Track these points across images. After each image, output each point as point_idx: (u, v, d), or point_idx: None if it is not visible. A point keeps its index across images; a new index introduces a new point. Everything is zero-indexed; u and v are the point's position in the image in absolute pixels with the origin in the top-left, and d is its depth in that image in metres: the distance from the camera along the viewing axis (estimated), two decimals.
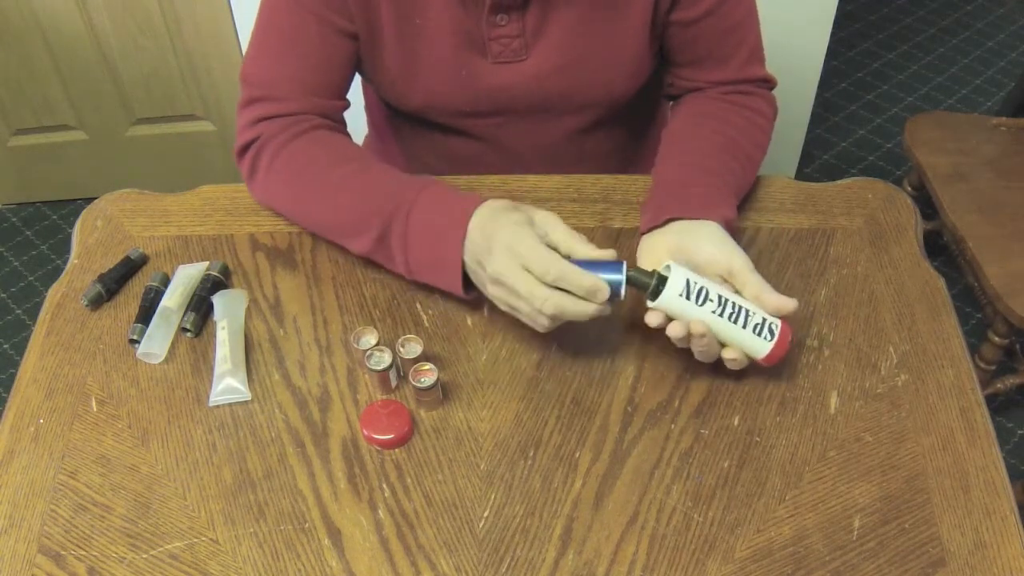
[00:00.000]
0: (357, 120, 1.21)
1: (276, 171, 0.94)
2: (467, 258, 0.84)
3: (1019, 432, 1.82)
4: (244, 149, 0.97)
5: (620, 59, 0.99)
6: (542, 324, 0.81)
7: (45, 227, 2.20)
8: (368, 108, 1.22)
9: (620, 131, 1.13)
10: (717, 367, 0.86)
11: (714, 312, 0.78)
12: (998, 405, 1.85)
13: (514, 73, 0.99)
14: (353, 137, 1.02)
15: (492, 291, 0.82)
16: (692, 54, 1.01)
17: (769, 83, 1.04)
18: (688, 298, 0.78)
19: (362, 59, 1.00)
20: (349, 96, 1.02)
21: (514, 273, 0.79)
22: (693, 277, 0.79)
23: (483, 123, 1.04)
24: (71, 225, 1.83)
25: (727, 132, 0.97)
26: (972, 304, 2.01)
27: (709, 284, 0.79)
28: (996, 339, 1.63)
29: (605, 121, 1.07)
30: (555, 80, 0.99)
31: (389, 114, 1.14)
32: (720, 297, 0.79)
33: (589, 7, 0.95)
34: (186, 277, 0.93)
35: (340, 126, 1.00)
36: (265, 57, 0.96)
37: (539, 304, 0.78)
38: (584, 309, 0.78)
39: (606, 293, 0.78)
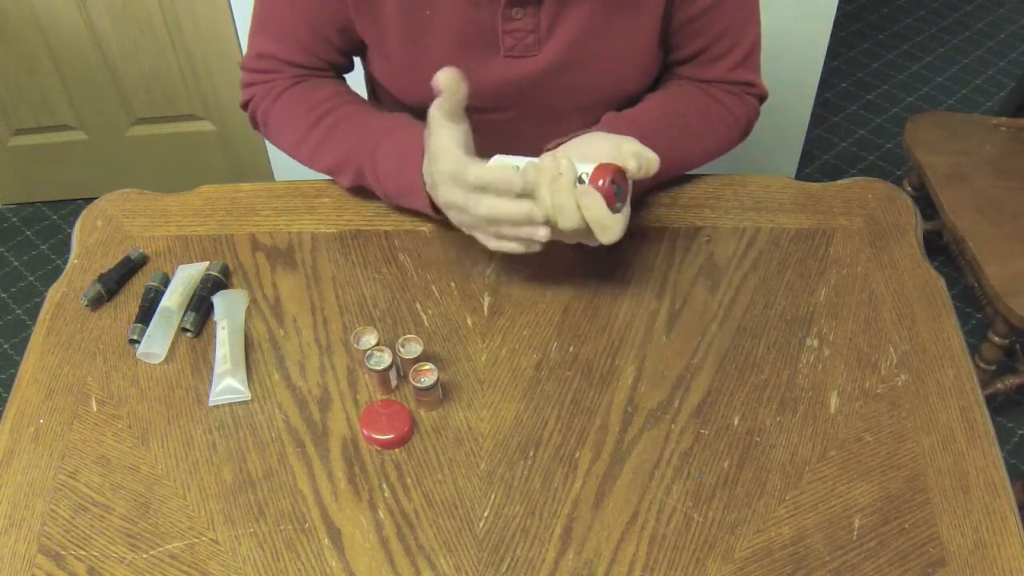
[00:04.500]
0: None
1: (269, 133, 1.05)
2: (427, 186, 0.90)
3: (1019, 432, 1.82)
4: (244, 106, 1.07)
5: (633, 56, 0.99)
6: (494, 241, 0.85)
7: (45, 227, 2.20)
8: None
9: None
10: (719, 366, 0.86)
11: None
12: (998, 405, 1.85)
13: (525, 68, 0.98)
14: None
15: (451, 216, 0.88)
16: (686, 51, 1.01)
17: (754, 88, 1.03)
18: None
19: (365, 52, 1.01)
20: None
21: (450, 190, 0.85)
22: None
23: (489, 119, 1.04)
24: (71, 225, 1.83)
25: (677, 107, 0.99)
26: (972, 304, 2.01)
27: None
28: (996, 339, 1.63)
29: None
30: (566, 76, 0.99)
31: (392, 109, 1.14)
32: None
33: (603, 3, 0.95)
34: (186, 277, 0.93)
35: (322, 75, 1.05)
36: (258, 39, 1.03)
37: (473, 207, 0.82)
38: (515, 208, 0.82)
39: (518, 182, 0.81)
